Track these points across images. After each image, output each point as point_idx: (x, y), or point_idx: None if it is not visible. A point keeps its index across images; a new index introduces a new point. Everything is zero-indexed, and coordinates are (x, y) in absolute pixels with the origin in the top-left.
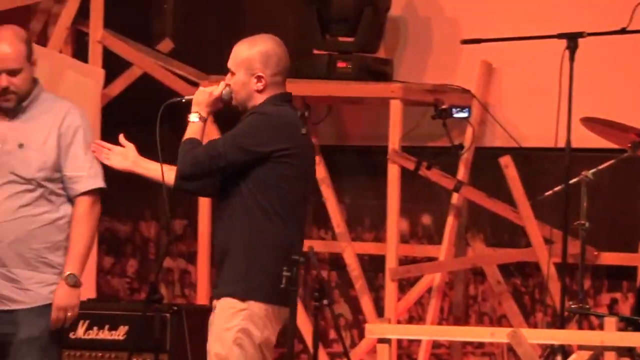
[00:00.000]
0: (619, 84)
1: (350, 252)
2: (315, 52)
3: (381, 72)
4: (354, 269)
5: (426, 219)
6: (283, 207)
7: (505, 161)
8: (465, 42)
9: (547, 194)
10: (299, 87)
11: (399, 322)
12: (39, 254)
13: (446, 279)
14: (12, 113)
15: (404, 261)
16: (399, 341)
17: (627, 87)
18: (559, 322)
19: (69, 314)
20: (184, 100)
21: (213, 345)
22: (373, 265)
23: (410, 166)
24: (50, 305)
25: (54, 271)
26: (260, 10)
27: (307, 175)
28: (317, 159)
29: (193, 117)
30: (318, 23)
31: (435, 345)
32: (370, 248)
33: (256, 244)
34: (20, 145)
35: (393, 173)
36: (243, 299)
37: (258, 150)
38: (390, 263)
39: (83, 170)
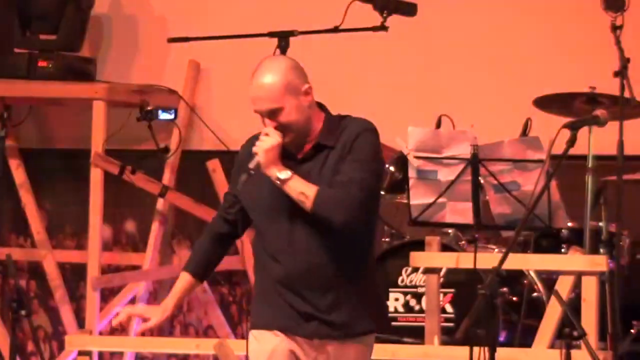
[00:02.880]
0: (334, 83)
1: (50, 260)
2: (16, 50)
3: (84, 72)
4: (54, 278)
5: (130, 226)
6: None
7: (213, 165)
8: (171, 40)
9: None
10: None
11: (101, 333)
12: None
13: (151, 289)
14: None
15: (107, 270)
16: (101, 353)
17: (342, 87)
18: None
19: None
20: (252, 172)
21: None
22: (74, 274)
23: (114, 170)
24: None
25: None
26: None
27: None
28: (17, 162)
29: (283, 175)
30: (18, 19)
31: (139, 357)
32: (71, 256)
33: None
34: None
35: (96, 177)
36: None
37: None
38: (92, 272)
39: None
